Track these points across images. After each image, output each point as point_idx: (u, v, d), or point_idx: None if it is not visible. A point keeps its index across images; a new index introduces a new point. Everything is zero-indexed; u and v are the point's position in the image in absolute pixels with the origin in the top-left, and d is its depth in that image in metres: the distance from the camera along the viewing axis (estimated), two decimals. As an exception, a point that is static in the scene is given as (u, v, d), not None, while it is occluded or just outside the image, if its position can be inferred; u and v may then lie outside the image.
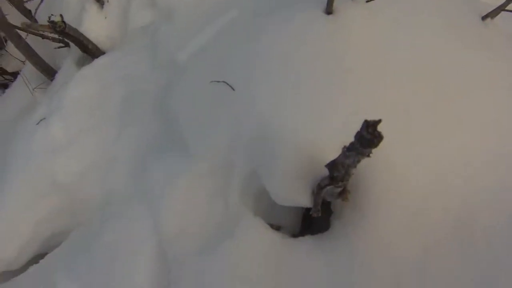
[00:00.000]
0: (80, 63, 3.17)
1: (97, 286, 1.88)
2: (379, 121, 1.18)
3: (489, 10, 2.01)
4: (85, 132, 2.32)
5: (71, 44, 3.08)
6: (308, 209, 1.90)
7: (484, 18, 2.03)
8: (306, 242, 1.68)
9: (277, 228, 1.87)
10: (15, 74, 3.93)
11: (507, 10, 1.96)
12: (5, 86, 4.23)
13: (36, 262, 2.33)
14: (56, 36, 3.00)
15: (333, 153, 1.42)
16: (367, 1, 1.90)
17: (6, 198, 2.38)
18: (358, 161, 1.35)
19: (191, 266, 1.68)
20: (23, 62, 3.81)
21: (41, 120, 2.68)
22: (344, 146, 1.33)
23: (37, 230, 2.36)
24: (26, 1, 3.74)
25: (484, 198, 1.63)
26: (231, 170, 1.77)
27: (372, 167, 1.61)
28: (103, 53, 3.06)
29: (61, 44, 3.29)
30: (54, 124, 2.45)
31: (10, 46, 4.02)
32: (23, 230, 2.35)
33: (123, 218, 1.92)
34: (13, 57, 4.07)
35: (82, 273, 1.94)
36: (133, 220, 1.88)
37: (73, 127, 2.38)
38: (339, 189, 1.52)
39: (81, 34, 2.89)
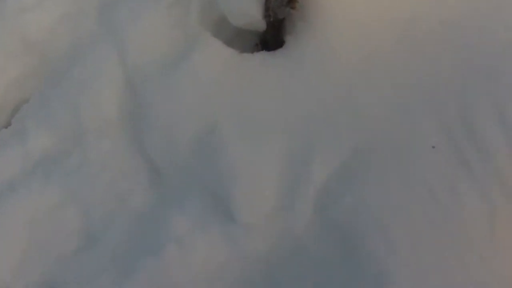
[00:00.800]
0: None
1: (68, 122, 1.99)
2: None
3: None
4: (56, -11, 2.37)
5: None
6: (263, 38, 2.03)
7: None
8: (262, 54, 1.84)
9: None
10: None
11: None
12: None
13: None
14: None
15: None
16: None
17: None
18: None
19: (156, 85, 1.85)
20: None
21: (11, -12, 2.71)
22: None
23: (7, 97, 2.36)
24: None
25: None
26: (192, -1, 1.88)
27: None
28: None
29: None
30: (25, -12, 2.48)
31: None
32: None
33: (91, 54, 2.04)
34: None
35: (53, 115, 2.02)
36: (101, 55, 2.00)
37: (44, -13, 2.41)
38: (287, -5, 1.62)
39: None
